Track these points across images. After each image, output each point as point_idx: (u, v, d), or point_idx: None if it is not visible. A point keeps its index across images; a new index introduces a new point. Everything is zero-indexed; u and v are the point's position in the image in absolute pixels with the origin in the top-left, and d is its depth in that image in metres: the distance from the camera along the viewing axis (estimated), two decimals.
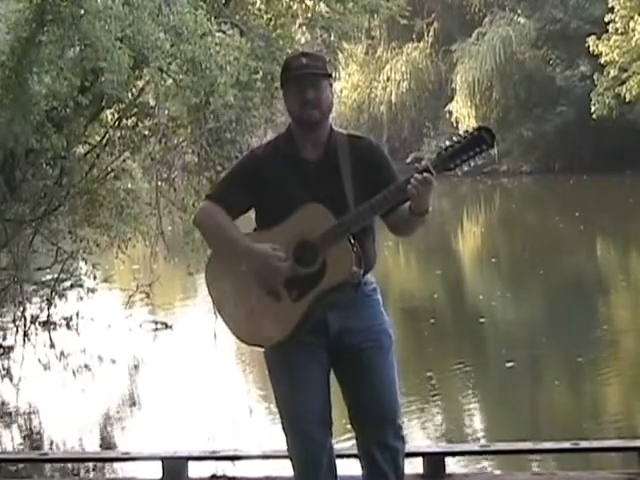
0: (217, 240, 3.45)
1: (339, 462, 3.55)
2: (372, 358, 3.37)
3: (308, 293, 3.27)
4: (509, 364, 8.95)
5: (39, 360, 10.21)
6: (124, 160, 11.19)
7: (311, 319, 3.29)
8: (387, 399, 3.40)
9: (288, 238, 3.29)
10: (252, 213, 3.49)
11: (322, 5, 13.06)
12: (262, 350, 3.49)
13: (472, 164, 3.24)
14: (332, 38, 13.16)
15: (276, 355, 3.40)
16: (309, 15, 12.93)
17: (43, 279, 11.53)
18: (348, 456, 3.95)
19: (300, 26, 13.03)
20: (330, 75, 3.38)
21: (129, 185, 11.36)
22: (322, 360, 3.37)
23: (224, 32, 10.03)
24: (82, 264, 11.74)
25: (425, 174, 3.20)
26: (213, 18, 10.04)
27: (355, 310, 3.36)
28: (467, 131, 3.26)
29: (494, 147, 3.25)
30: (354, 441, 3.52)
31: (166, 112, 10.95)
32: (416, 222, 3.31)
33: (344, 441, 4.91)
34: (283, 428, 3.43)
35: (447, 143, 3.25)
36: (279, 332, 3.31)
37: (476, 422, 7.84)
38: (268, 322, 3.33)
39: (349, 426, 3.48)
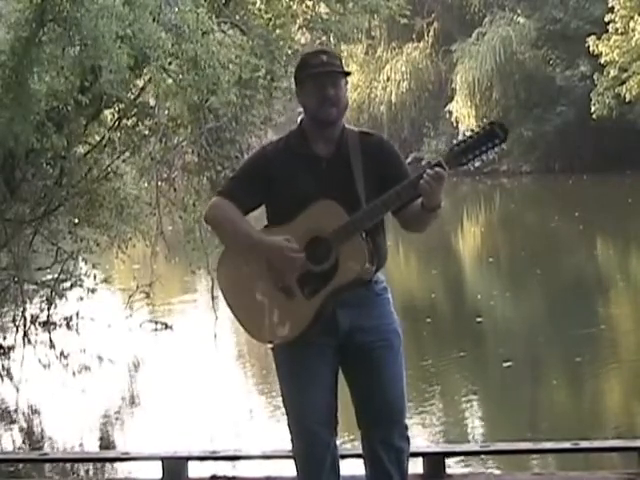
0: (229, 235, 3.43)
1: (339, 462, 3.55)
2: (382, 358, 3.37)
3: (321, 290, 3.27)
4: (507, 364, 8.95)
5: (39, 360, 10.21)
6: (117, 166, 11.18)
7: (324, 316, 3.29)
8: (395, 399, 3.41)
9: (300, 235, 3.28)
10: (259, 211, 3.49)
11: (322, 6, 13.06)
12: (270, 347, 3.47)
13: (484, 159, 3.24)
14: (332, 39, 13.15)
15: (285, 353, 3.39)
16: (309, 16, 12.92)
17: (43, 279, 11.53)
18: (348, 456, 3.95)
19: (300, 27, 13.02)
20: (348, 73, 3.39)
21: (123, 187, 11.34)
22: (330, 359, 3.37)
23: (224, 32, 10.05)
24: (82, 264, 11.74)
25: (437, 169, 3.20)
26: (214, 17, 10.05)
27: (366, 309, 3.36)
28: (479, 126, 3.28)
29: (506, 141, 3.25)
30: (355, 441, 3.53)
31: (166, 112, 10.96)
32: (428, 218, 3.31)
33: (344, 441, 4.91)
34: (289, 426, 3.44)
35: (459, 138, 3.26)
36: (292, 329, 3.31)
37: (475, 422, 7.83)
38: (281, 319, 3.33)
39: (350, 426, 3.48)
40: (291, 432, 3.43)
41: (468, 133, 3.26)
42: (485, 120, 31.07)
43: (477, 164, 3.25)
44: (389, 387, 3.38)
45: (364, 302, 3.36)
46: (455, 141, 3.28)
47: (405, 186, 3.24)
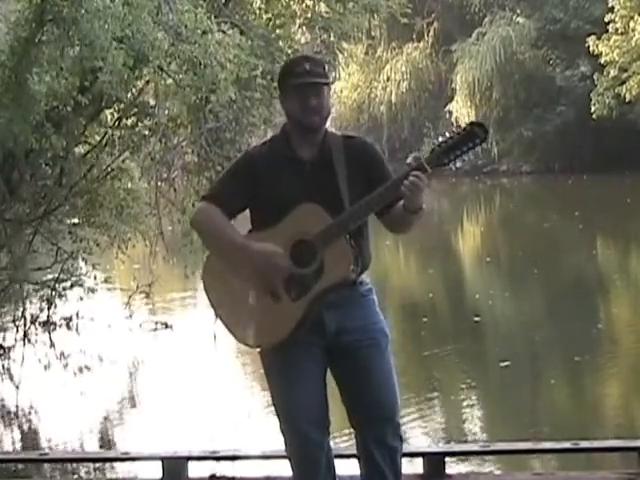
0: (215, 241, 3.44)
1: (338, 462, 3.55)
2: (368, 356, 3.37)
3: (307, 292, 3.28)
4: (505, 363, 8.95)
5: (39, 360, 10.21)
6: (123, 160, 11.20)
7: (310, 318, 3.30)
8: (385, 397, 3.41)
9: (285, 238, 3.30)
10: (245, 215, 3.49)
11: (322, 5, 13.05)
12: (258, 350, 3.48)
13: (465, 159, 3.32)
14: (332, 38, 13.15)
15: (272, 355, 3.40)
16: (309, 15, 12.93)
17: (43, 279, 11.52)
18: (347, 456, 3.94)
19: (300, 26, 13.02)
20: (331, 83, 3.42)
21: (129, 185, 11.36)
22: (318, 359, 3.38)
23: (224, 32, 10.04)
24: (82, 264, 11.74)
25: (417, 172, 3.23)
26: (213, 17, 10.05)
27: (351, 309, 3.37)
28: (460, 126, 3.32)
29: (486, 141, 3.29)
30: (353, 441, 3.52)
31: (166, 112, 10.95)
32: (411, 219, 3.33)
33: (343, 441, 4.91)
34: (280, 429, 3.43)
35: (440, 139, 3.30)
36: (279, 333, 3.31)
37: (475, 421, 7.83)
38: (268, 323, 3.34)
39: (348, 425, 3.48)
40: (283, 434, 3.43)
41: (448, 134, 3.30)
42: (487, 120, 31.25)
43: (458, 164, 3.31)
44: (378, 385, 3.39)
45: (349, 303, 3.37)
46: (436, 142, 3.31)
47: (388, 187, 3.27)
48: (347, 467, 3.86)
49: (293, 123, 3.39)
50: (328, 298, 3.30)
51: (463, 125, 3.31)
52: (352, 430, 3.50)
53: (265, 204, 3.35)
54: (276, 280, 3.29)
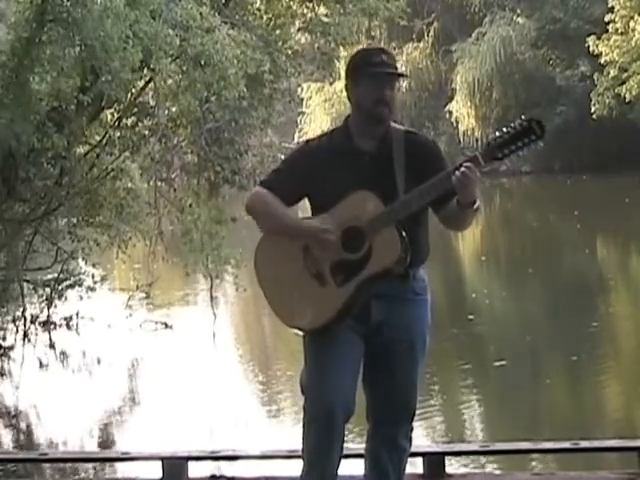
0: (267, 221, 3.44)
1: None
2: (400, 358, 3.39)
3: (353, 278, 3.29)
4: (501, 362, 8.94)
5: (39, 360, 10.21)
6: (123, 160, 11.20)
7: (355, 305, 3.30)
8: (405, 401, 3.43)
9: (336, 224, 3.31)
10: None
11: (321, 7, 13.03)
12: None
13: (520, 154, 3.28)
14: (331, 45, 13.12)
15: (315, 335, 3.39)
16: (308, 18, 12.90)
17: (43, 279, 11.52)
18: (347, 456, 3.94)
19: (299, 29, 13.01)
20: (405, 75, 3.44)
21: (128, 185, 11.37)
22: (357, 346, 3.37)
23: (227, 34, 10.07)
24: (82, 264, 11.75)
25: (469, 164, 3.22)
26: (217, 14, 10.09)
27: (399, 305, 3.38)
28: (517, 121, 3.28)
29: (543, 138, 3.27)
30: (353, 441, 3.53)
31: (166, 112, 10.96)
32: (465, 215, 3.32)
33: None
34: (304, 406, 3.40)
35: (497, 133, 3.28)
36: (322, 317, 3.32)
37: (474, 421, 7.84)
38: (312, 307, 3.35)
39: (350, 426, 3.48)
40: (305, 412, 3.38)
41: (505, 128, 3.27)
42: (487, 120, 31.27)
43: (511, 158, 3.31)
44: (401, 388, 3.41)
45: (400, 297, 3.37)
46: (493, 136, 3.29)
47: (440, 178, 3.26)
48: (347, 467, 3.86)
49: (361, 113, 3.40)
50: (377, 287, 3.30)
51: (520, 119, 3.27)
52: (353, 430, 3.50)
53: (321, 195, 3.37)
54: (324, 262, 3.30)
